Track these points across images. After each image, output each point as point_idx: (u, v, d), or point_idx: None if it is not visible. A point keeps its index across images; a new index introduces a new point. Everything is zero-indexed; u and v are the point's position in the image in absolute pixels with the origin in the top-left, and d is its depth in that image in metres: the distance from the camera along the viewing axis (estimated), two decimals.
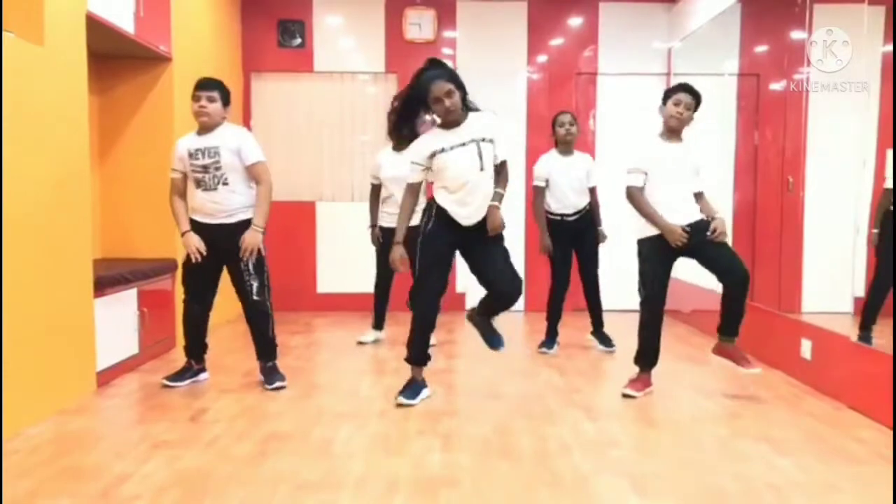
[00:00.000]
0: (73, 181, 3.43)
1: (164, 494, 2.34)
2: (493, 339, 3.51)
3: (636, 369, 3.63)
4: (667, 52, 6.10)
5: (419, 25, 6.07)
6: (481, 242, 3.33)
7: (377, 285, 4.79)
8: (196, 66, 4.95)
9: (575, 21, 6.18)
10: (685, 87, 3.52)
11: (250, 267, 3.54)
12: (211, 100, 3.44)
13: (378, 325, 4.84)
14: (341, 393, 3.63)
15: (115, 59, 4.45)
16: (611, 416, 3.26)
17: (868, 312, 3.57)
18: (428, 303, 3.37)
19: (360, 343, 4.77)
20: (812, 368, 3.75)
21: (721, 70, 5.29)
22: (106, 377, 3.69)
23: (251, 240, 3.47)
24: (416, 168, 3.33)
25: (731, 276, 3.43)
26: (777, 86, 4.64)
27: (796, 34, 4.15)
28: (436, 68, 3.24)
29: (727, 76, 5.16)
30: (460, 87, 3.22)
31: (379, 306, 4.81)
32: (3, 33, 2.85)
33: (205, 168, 3.44)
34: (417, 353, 3.44)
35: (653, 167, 3.49)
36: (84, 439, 2.92)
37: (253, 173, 3.50)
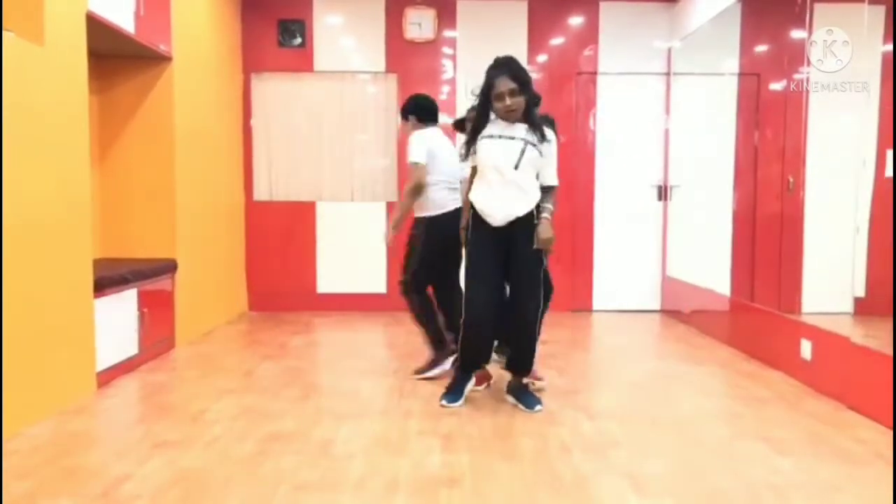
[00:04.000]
0: (73, 181, 3.43)
1: (164, 494, 2.34)
2: (529, 401, 3.33)
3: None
4: (667, 51, 6.10)
5: (419, 25, 6.07)
6: (517, 249, 3.23)
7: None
8: (196, 66, 4.96)
9: (575, 20, 6.18)
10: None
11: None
12: None
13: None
14: (341, 393, 3.63)
15: (115, 58, 4.44)
16: (611, 416, 3.26)
17: None
18: (480, 308, 3.23)
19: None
20: (812, 369, 3.75)
21: (721, 70, 5.29)
22: (106, 377, 3.69)
23: None
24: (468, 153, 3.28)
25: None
26: (777, 86, 4.64)
27: (796, 34, 4.15)
28: (504, 65, 3.15)
29: (727, 76, 5.16)
30: (526, 90, 3.14)
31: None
32: (3, 33, 2.85)
33: None
34: (468, 360, 3.39)
35: None
36: (84, 439, 2.92)
37: None
